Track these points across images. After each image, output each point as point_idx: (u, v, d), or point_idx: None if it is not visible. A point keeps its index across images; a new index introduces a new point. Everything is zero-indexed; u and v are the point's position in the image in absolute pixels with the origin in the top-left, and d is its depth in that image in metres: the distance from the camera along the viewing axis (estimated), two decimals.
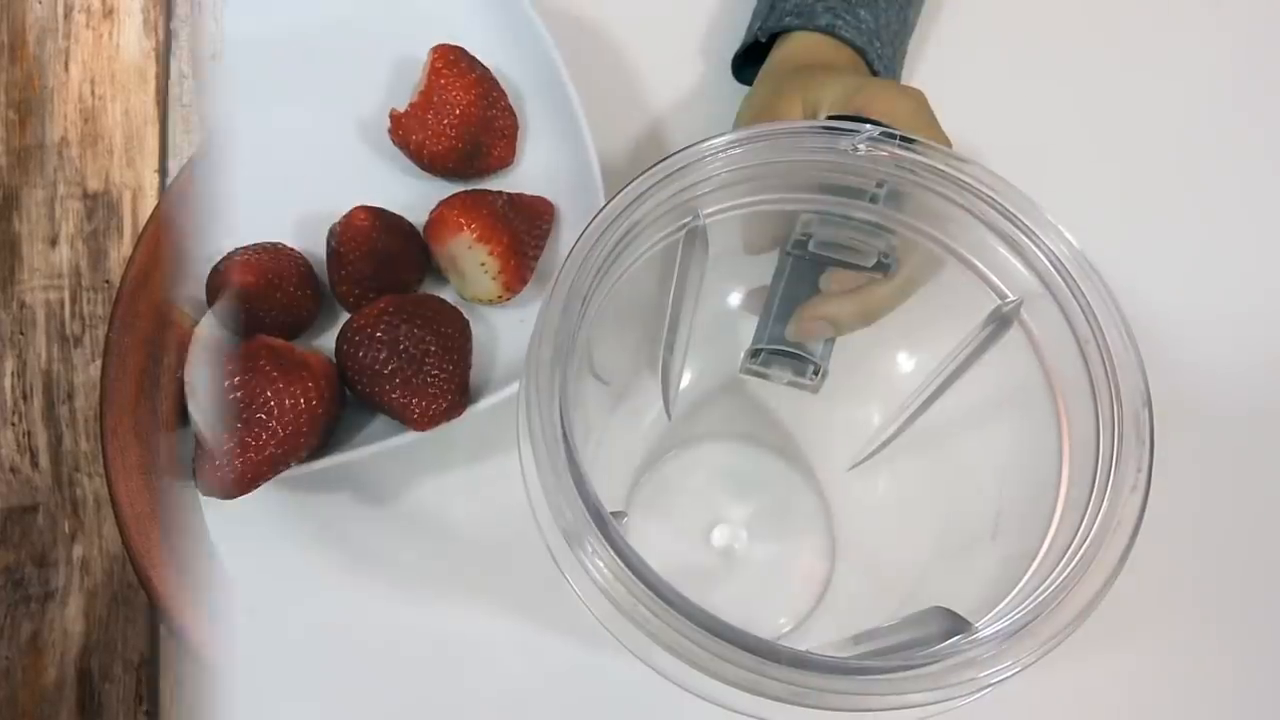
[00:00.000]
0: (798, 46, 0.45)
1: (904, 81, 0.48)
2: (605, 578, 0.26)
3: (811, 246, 0.35)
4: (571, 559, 0.27)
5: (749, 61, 0.48)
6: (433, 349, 0.40)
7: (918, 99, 0.39)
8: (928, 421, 0.37)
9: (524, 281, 0.44)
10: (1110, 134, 0.51)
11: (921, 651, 0.27)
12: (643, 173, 0.31)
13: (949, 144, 0.39)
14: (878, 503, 0.40)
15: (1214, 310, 0.47)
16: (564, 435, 0.28)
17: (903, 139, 0.32)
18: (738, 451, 0.43)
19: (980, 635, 0.27)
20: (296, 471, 0.40)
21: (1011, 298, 0.32)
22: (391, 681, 0.41)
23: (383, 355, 0.40)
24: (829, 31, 0.44)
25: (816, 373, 0.39)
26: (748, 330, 0.40)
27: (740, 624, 0.26)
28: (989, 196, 0.32)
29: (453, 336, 0.41)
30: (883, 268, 0.35)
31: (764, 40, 0.46)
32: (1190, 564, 0.43)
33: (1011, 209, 0.31)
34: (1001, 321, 0.33)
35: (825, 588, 0.40)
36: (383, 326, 0.40)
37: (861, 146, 0.32)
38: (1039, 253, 0.31)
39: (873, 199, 0.33)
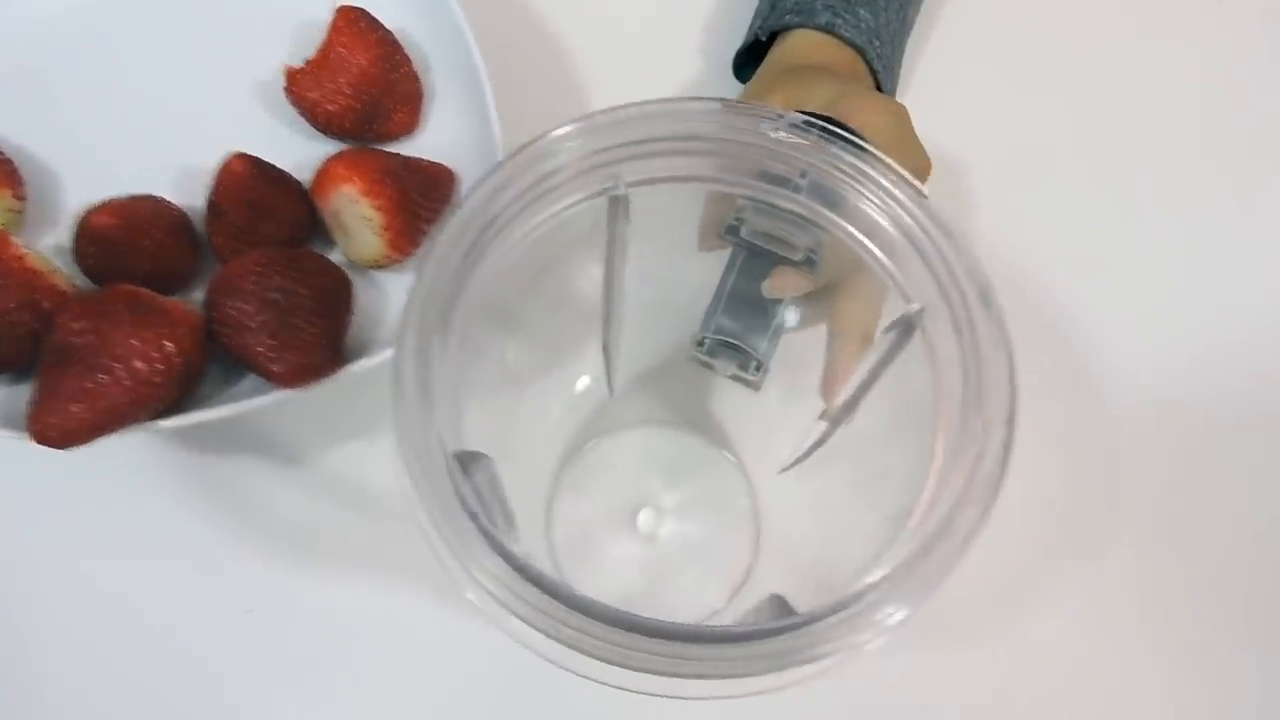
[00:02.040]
0: (797, 45, 0.45)
1: (902, 80, 0.49)
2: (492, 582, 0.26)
3: (744, 233, 0.35)
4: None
5: (750, 61, 0.47)
6: (305, 303, 0.38)
7: (899, 114, 0.40)
8: (853, 428, 0.37)
9: (414, 244, 0.42)
10: (1109, 134, 0.51)
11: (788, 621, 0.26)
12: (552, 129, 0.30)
13: (928, 161, 0.40)
14: (803, 505, 0.40)
15: (1216, 311, 0.47)
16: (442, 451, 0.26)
17: (823, 129, 0.32)
18: (674, 438, 0.42)
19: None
20: (160, 427, 0.37)
21: (916, 304, 0.32)
22: (302, 663, 0.39)
23: (250, 306, 0.37)
24: (829, 30, 0.44)
25: (758, 368, 0.38)
26: (697, 316, 0.39)
27: (659, 610, 0.26)
28: (898, 197, 0.31)
29: (329, 291, 0.39)
30: (810, 264, 0.35)
31: (764, 39, 0.46)
32: (1188, 563, 0.43)
33: (919, 212, 0.31)
34: (906, 327, 0.33)
35: (745, 578, 0.40)
36: (253, 276, 0.38)
37: (783, 132, 0.32)
38: (941, 261, 0.31)
39: (795, 189, 0.33)
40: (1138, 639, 0.41)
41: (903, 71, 0.50)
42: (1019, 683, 0.40)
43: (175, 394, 0.38)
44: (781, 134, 0.31)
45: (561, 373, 0.40)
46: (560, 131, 0.30)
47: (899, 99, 0.48)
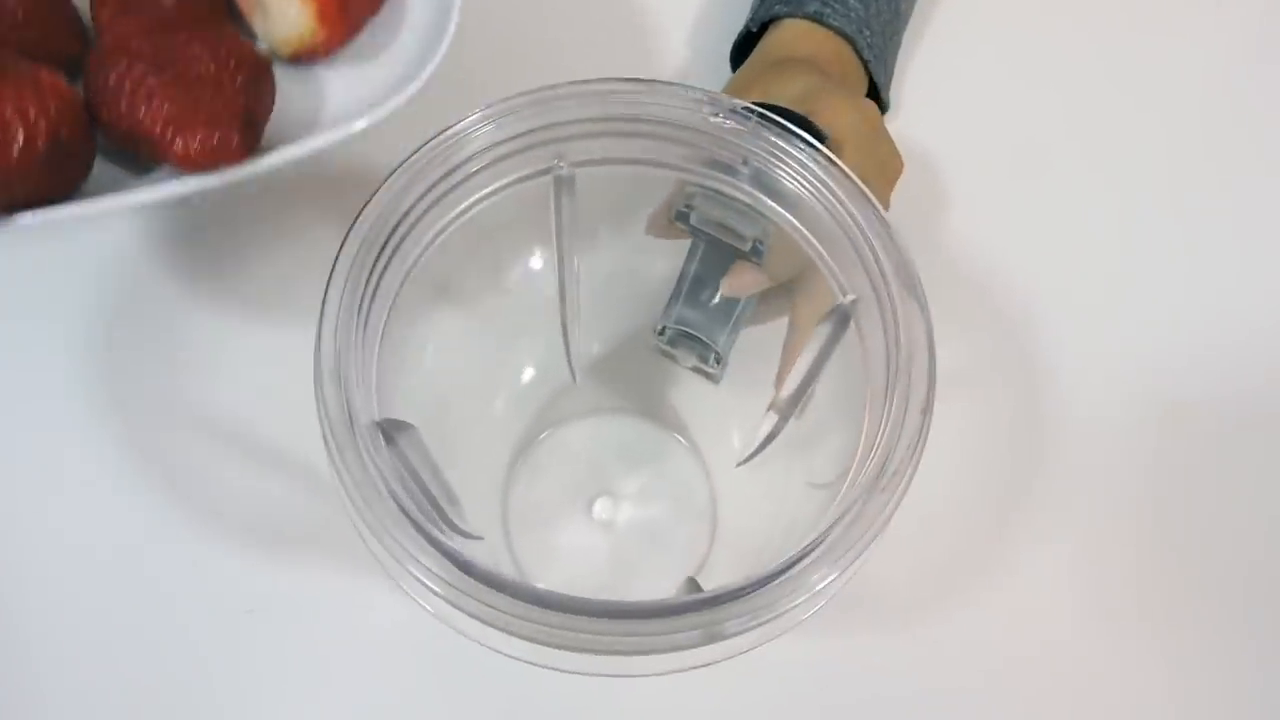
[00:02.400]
0: (786, 35, 0.45)
1: (896, 76, 0.49)
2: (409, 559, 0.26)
3: (693, 220, 0.35)
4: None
5: (745, 55, 0.47)
6: (210, 70, 0.32)
7: (868, 114, 0.40)
8: (803, 420, 0.37)
9: (347, 27, 0.37)
10: (1095, 135, 0.51)
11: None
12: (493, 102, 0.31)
13: (899, 160, 0.41)
14: (758, 495, 0.40)
15: (1215, 313, 0.47)
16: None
17: (761, 117, 0.32)
18: (632, 427, 0.42)
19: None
20: (23, 223, 0.31)
21: (851, 295, 0.32)
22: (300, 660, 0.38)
23: (141, 70, 0.31)
24: (818, 19, 0.44)
25: (718, 361, 0.39)
26: (658, 304, 0.39)
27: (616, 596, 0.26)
28: (834, 189, 0.32)
29: (241, 65, 0.33)
30: (756, 253, 0.35)
31: (755, 30, 0.46)
32: (1181, 566, 0.42)
33: (852, 204, 0.31)
34: (842, 318, 0.33)
35: (701, 567, 0.40)
36: (144, 36, 0.32)
37: (723, 117, 0.32)
38: (871, 253, 0.31)
39: (738, 176, 0.34)
40: (1108, 628, 0.41)
41: (897, 68, 0.49)
42: (984, 665, 0.40)
43: (41, 181, 0.31)
44: (722, 119, 0.32)
45: (511, 354, 0.40)
46: (498, 105, 0.31)
47: (893, 92, 0.48)
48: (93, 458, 0.41)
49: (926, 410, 0.29)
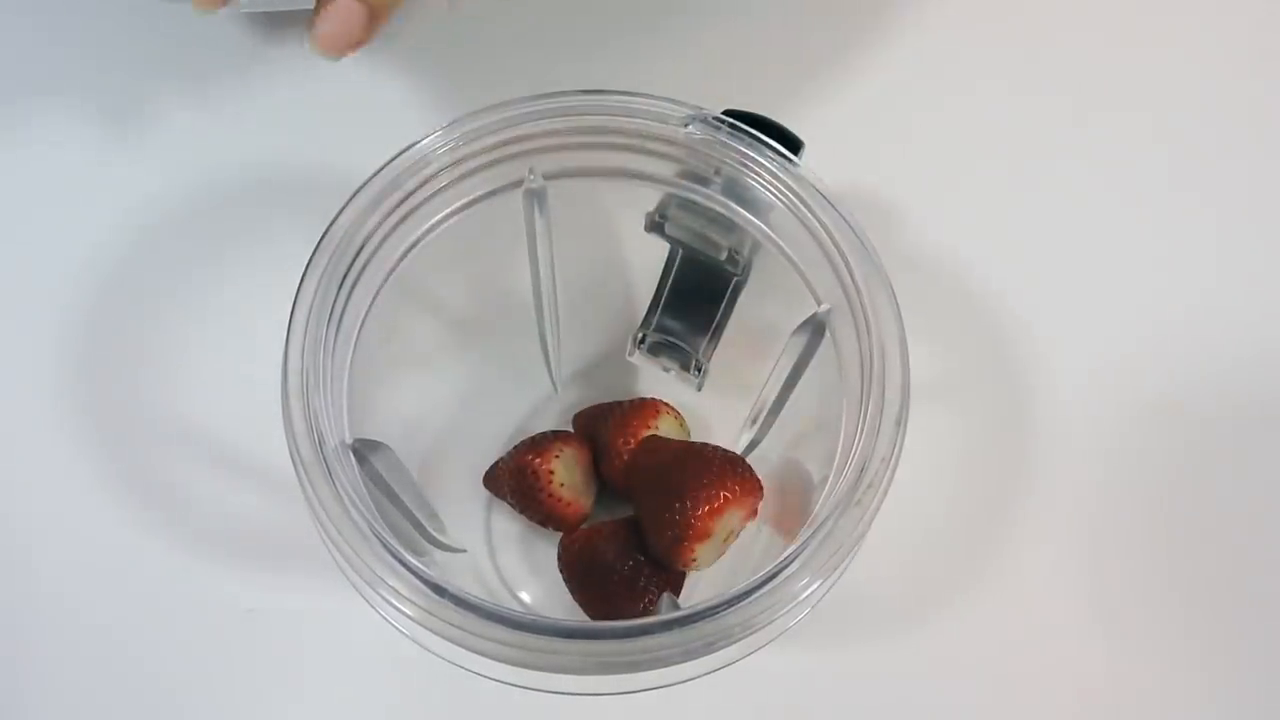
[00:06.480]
0: None
1: (866, 67, 0.49)
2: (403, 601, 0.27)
3: (668, 230, 0.35)
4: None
5: None
6: None
7: None
8: (781, 429, 0.37)
9: None
10: (1082, 133, 0.50)
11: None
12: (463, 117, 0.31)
13: None
14: None
15: (1200, 313, 0.47)
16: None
17: (732, 127, 0.32)
18: None
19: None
20: None
21: (826, 305, 0.32)
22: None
23: None
24: None
25: (699, 368, 0.39)
26: (637, 313, 0.39)
27: None
28: (805, 199, 0.32)
29: None
30: (733, 262, 0.35)
31: None
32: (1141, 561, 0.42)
33: (824, 215, 0.31)
34: (817, 328, 0.33)
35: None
36: None
37: (694, 127, 0.32)
38: (841, 261, 0.31)
39: (711, 185, 0.34)
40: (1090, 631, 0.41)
41: (865, 59, 0.49)
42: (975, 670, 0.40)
43: None
44: (692, 129, 0.32)
45: (490, 366, 0.40)
46: (464, 119, 0.31)
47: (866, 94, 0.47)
48: (68, 468, 0.40)
49: (900, 422, 0.29)
